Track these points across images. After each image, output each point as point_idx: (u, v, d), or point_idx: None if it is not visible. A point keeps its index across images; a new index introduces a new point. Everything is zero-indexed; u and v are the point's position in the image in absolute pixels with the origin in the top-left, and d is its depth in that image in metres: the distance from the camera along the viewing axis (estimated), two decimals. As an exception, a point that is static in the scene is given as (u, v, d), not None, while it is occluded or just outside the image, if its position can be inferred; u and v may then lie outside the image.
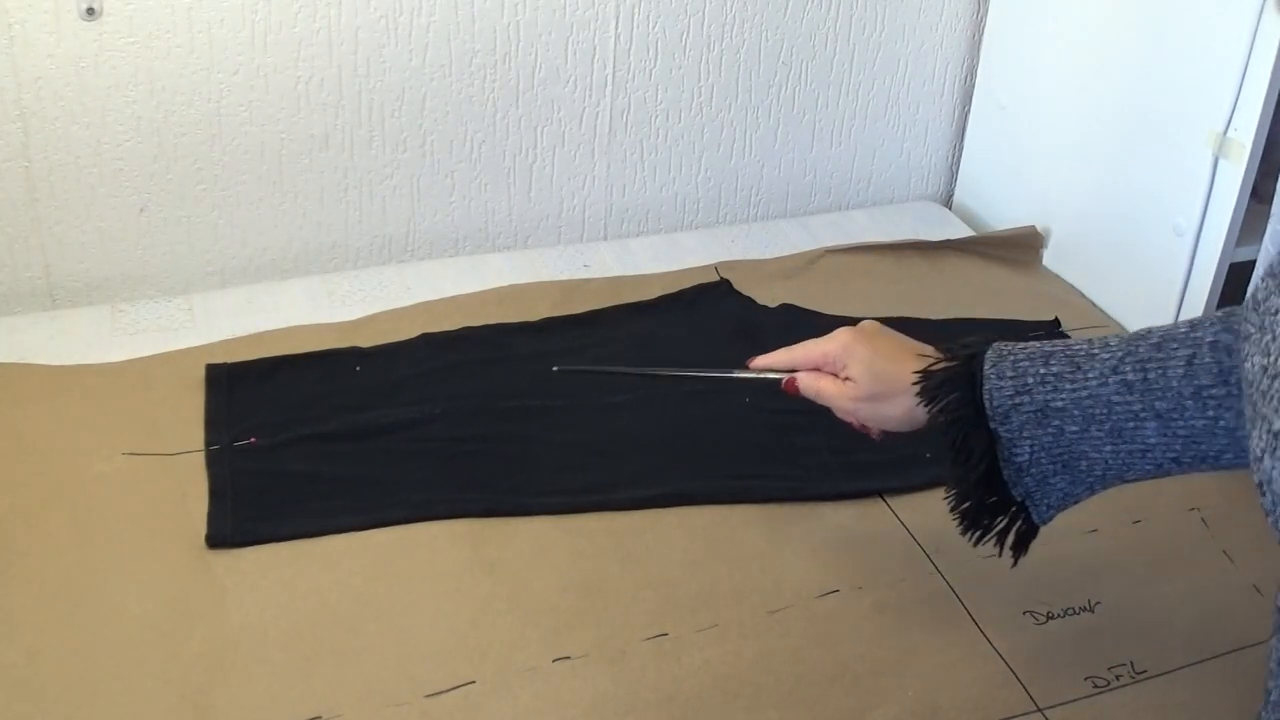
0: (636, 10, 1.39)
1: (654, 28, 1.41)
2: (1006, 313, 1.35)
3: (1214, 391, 0.76)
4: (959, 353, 0.85)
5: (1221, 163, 1.22)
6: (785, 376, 0.94)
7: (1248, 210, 1.22)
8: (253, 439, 1.07)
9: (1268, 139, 1.19)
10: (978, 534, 0.87)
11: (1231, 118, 1.19)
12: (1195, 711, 0.89)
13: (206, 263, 1.34)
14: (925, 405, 0.85)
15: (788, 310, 1.31)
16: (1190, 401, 0.76)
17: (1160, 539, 1.05)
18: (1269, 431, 0.56)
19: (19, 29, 1.17)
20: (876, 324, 0.93)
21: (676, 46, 1.44)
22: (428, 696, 0.86)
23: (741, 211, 1.58)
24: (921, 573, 0.99)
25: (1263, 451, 0.57)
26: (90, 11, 1.18)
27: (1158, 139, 1.29)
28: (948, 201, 1.67)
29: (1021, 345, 0.84)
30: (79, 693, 0.84)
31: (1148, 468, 0.80)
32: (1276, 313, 0.62)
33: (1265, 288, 0.65)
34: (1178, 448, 0.78)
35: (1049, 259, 1.48)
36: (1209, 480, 1.11)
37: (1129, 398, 0.78)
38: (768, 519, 1.04)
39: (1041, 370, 0.81)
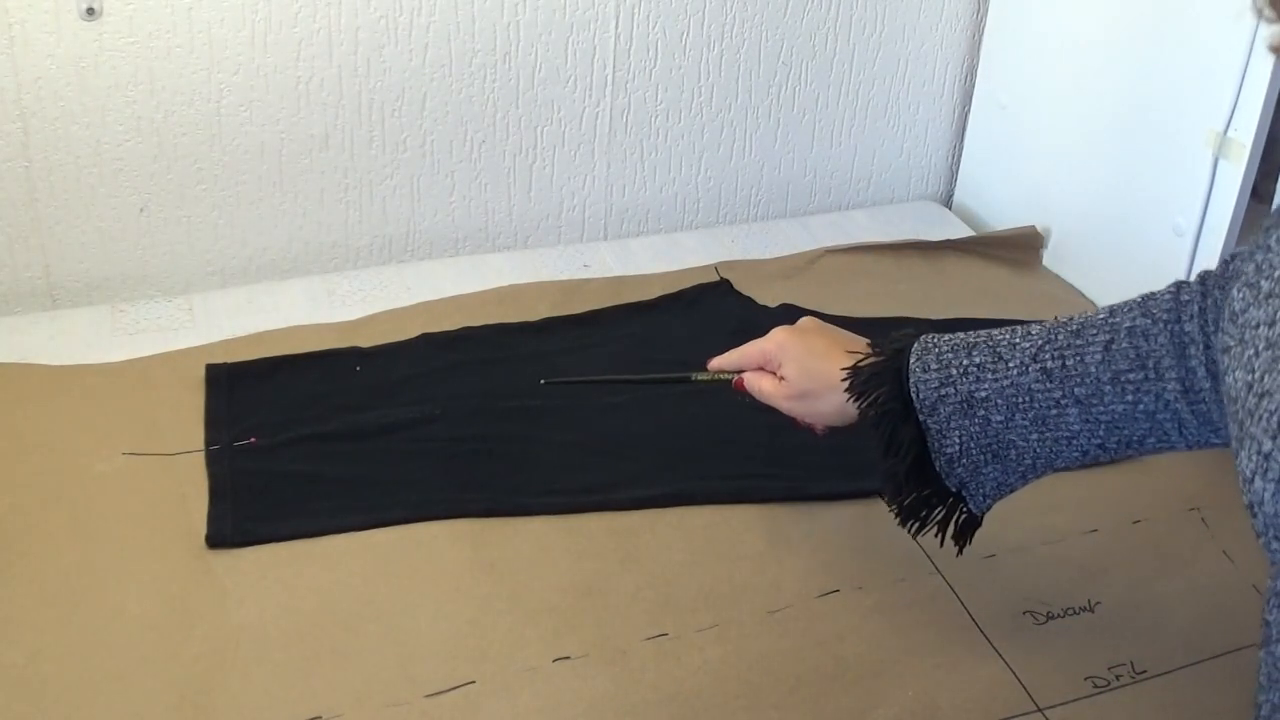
0: (636, 10, 1.39)
1: (654, 28, 1.41)
2: (1006, 313, 1.34)
3: (1132, 376, 0.77)
4: (887, 348, 0.88)
5: (1221, 163, 1.22)
6: (736, 377, 0.97)
7: (1248, 210, 1.23)
8: (253, 439, 1.07)
9: (1268, 139, 1.19)
10: (916, 525, 0.89)
11: (1231, 118, 1.19)
12: (1195, 711, 0.89)
13: (206, 263, 1.34)
14: (854, 400, 0.87)
15: (788, 310, 1.31)
16: (1109, 387, 0.78)
17: (1160, 539, 1.05)
18: (1259, 453, 0.56)
19: (19, 29, 1.17)
20: (814, 321, 0.96)
21: (676, 46, 1.44)
22: (428, 696, 0.86)
23: (741, 211, 1.58)
24: (921, 573, 0.99)
25: (1253, 473, 0.56)
26: (90, 11, 1.18)
27: (1158, 139, 1.29)
28: (948, 201, 1.67)
29: (948, 337, 0.86)
30: (79, 693, 0.84)
31: (1075, 455, 0.82)
32: (1257, 326, 0.62)
33: (1242, 298, 0.65)
34: (1101, 434, 0.80)
35: (1049, 259, 1.48)
36: (1209, 480, 1.11)
37: (1049, 385, 0.80)
38: (768, 519, 1.04)
39: (965, 361, 0.83)
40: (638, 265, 1.40)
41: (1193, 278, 0.81)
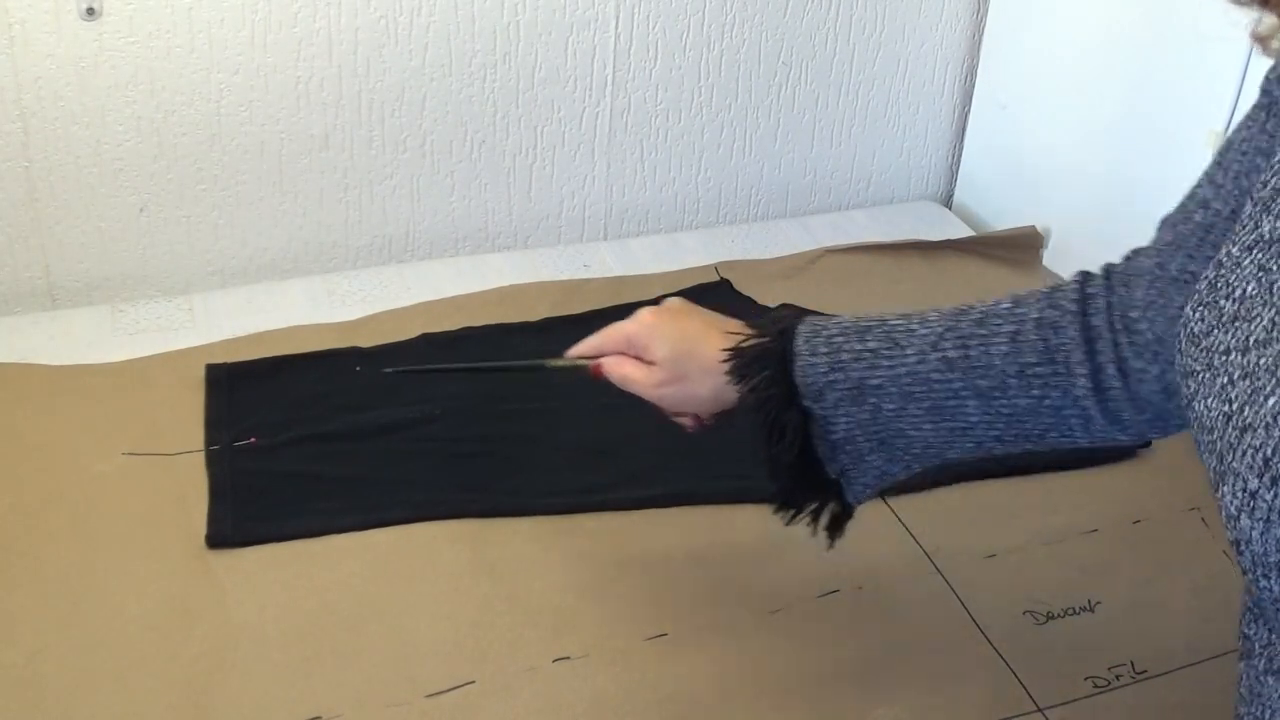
0: (636, 10, 1.39)
1: (654, 28, 1.41)
2: (1006, 313, 1.34)
3: (1039, 370, 0.74)
4: (770, 329, 0.82)
5: (1221, 163, 1.22)
6: (594, 363, 0.90)
7: (1248, 210, 1.22)
8: (253, 439, 1.07)
9: (1268, 139, 1.19)
10: (791, 514, 0.85)
11: (1231, 118, 1.19)
12: (1195, 711, 0.89)
13: (206, 263, 1.34)
14: (736, 383, 0.81)
15: (788, 310, 1.31)
16: (1014, 380, 0.75)
17: (1160, 539, 1.05)
18: (1244, 490, 0.54)
19: (19, 29, 1.17)
20: (682, 301, 0.89)
21: (676, 46, 1.44)
22: (428, 696, 0.86)
23: (741, 211, 1.58)
24: (921, 573, 0.99)
25: (1238, 510, 0.55)
26: (90, 11, 1.18)
27: (1158, 139, 1.29)
28: (948, 201, 1.67)
29: (837, 320, 0.81)
30: (79, 693, 0.84)
31: (969, 445, 0.79)
32: (1228, 352, 0.59)
33: (1202, 319, 0.62)
34: (1000, 426, 0.77)
35: (1049, 259, 1.48)
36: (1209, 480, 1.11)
37: (949, 375, 0.76)
38: (768, 519, 1.04)
39: (857, 346, 0.78)
40: (638, 265, 1.40)
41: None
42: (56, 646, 0.87)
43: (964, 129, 1.62)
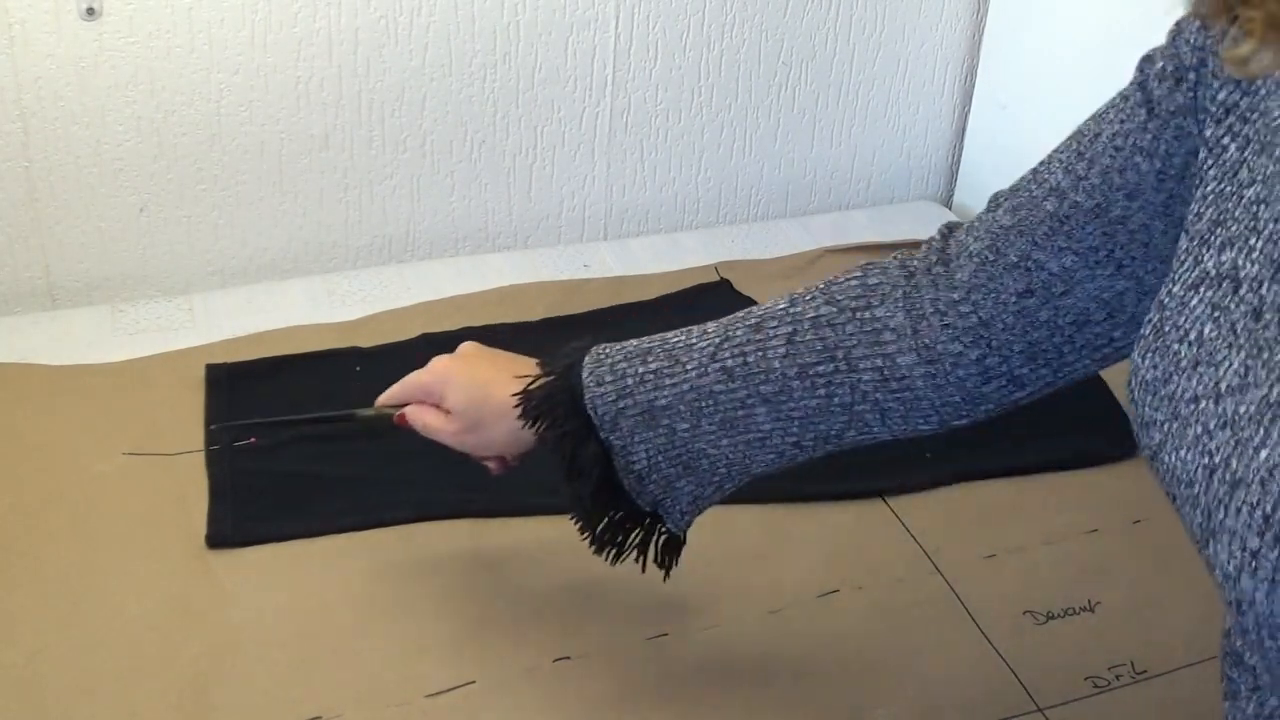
0: (636, 10, 1.39)
1: (654, 28, 1.41)
2: (1006, 313, 1.34)
3: (821, 369, 0.73)
4: (557, 365, 0.81)
5: (1221, 163, 1.22)
6: (398, 413, 0.90)
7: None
8: (253, 439, 1.07)
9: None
10: (613, 552, 0.83)
11: (1231, 118, 1.19)
12: (1195, 711, 0.89)
13: (206, 263, 1.34)
14: (529, 426, 0.81)
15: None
16: (796, 382, 0.73)
17: (1160, 539, 1.05)
18: (1244, 549, 0.52)
19: (19, 29, 1.17)
20: (475, 345, 0.88)
21: (676, 46, 1.44)
22: (428, 696, 0.86)
23: (741, 211, 1.58)
24: (921, 573, 0.99)
25: (1238, 570, 0.52)
26: (90, 11, 1.18)
27: (1158, 139, 1.29)
28: (948, 201, 1.67)
29: (620, 346, 0.80)
30: (79, 693, 0.84)
31: (770, 457, 0.77)
32: (1196, 400, 0.57)
33: (1154, 366, 0.60)
34: (795, 431, 0.75)
35: (1049, 259, 1.48)
36: (1209, 480, 1.11)
37: (732, 385, 0.75)
38: (768, 519, 1.04)
39: (640, 369, 0.78)
40: (638, 265, 1.40)
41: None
42: (56, 646, 0.87)
43: (964, 129, 1.62)
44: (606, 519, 0.82)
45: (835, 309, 0.74)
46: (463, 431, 0.86)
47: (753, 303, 1.32)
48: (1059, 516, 1.06)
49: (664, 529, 0.83)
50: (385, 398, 0.91)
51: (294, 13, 1.26)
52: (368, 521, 1.00)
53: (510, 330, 1.25)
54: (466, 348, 0.88)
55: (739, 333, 0.76)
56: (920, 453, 1.11)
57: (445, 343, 1.22)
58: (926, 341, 0.71)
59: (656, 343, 0.79)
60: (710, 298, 1.33)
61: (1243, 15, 0.51)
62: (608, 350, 0.80)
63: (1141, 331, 0.62)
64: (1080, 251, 0.67)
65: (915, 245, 1.62)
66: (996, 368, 0.71)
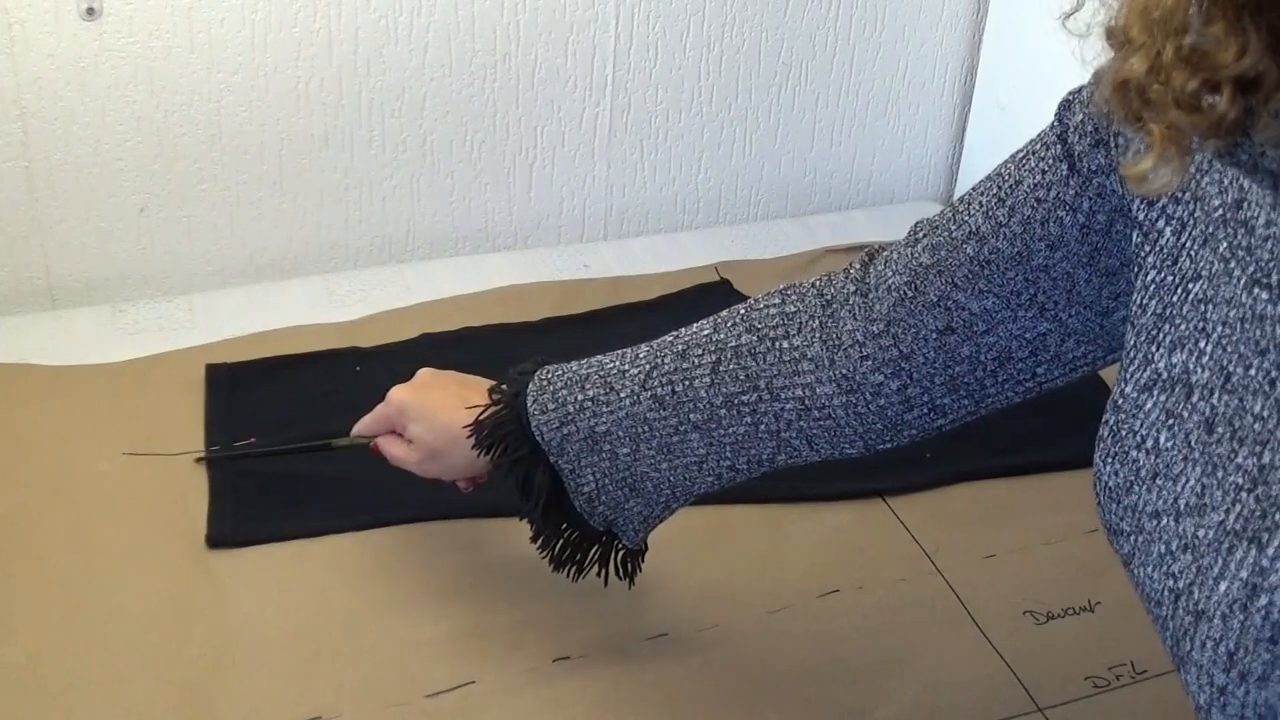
0: (636, 10, 1.39)
1: (654, 28, 1.41)
2: (1006, 313, 1.34)
3: (745, 399, 0.74)
4: (505, 394, 0.84)
5: (1221, 163, 1.22)
6: (372, 442, 0.94)
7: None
8: (252, 439, 1.07)
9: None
10: (574, 569, 0.87)
11: (1231, 118, 1.19)
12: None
13: (206, 263, 1.34)
14: (483, 454, 0.84)
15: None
16: (723, 410, 0.75)
17: (1160, 539, 1.05)
18: (1211, 685, 0.51)
19: (19, 29, 1.17)
20: (431, 373, 0.90)
21: (676, 46, 1.44)
22: (428, 696, 0.86)
23: (741, 211, 1.58)
24: (921, 573, 0.99)
25: (1208, 704, 0.52)
26: (90, 11, 1.18)
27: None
28: (948, 201, 1.67)
29: (562, 370, 0.82)
30: (79, 693, 0.84)
31: (710, 479, 0.80)
32: (1158, 515, 0.55)
33: (1116, 474, 0.58)
34: (729, 456, 0.77)
35: (1049, 259, 1.48)
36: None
37: (663, 413, 0.77)
38: (768, 519, 1.04)
39: (579, 396, 0.80)
40: (638, 265, 1.40)
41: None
42: (56, 646, 0.87)
43: (964, 129, 1.62)
44: (562, 539, 0.85)
45: (755, 337, 0.75)
46: (425, 460, 0.89)
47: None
48: (1059, 516, 1.06)
49: (620, 544, 0.86)
50: (359, 428, 0.95)
51: (294, 13, 1.26)
52: (368, 521, 1.00)
53: (510, 330, 1.25)
54: (422, 376, 0.90)
55: (667, 361, 0.78)
56: (920, 453, 1.11)
57: (445, 343, 1.22)
58: (844, 372, 0.72)
59: (594, 368, 0.81)
60: (710, 298, 1.33)
61: (1146, 126, 0.50)
62: (550, 376, 0.82)
63: (1100, 433, 0.61)
64: (1002, 295, 0.67)
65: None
66: (918, 397, 0.71)
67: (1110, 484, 0.60)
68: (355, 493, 1.03)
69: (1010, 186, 0.67)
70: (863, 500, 1.06)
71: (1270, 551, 0.49)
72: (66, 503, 1.00)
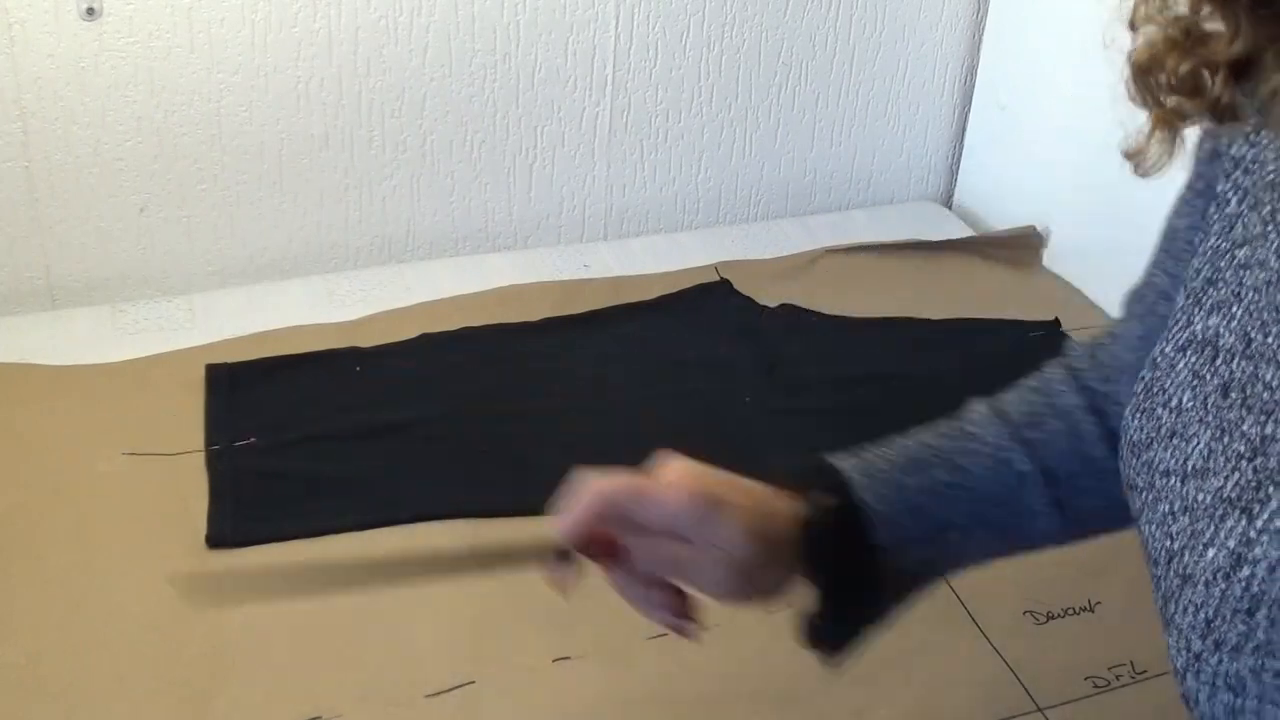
0: (636, 10, 1.39)
1: (654, 28, 1.41)
2: (1006, 313, 1.34)
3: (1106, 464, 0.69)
4: (814, 497, 0.70)
5: (1221, 163, 1.22)
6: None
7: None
8: (252, 439, 1.07)
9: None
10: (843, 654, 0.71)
11: (1231, 118, 1.19)
12: (1195, 711, 0.89)
13: (206, 263, 1.34)
14: (803, 560, 0.68)
15: (788, 310, 1.31)
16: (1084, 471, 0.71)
17: (1160, 539, 1.05)
18: (1188, 650, 0.50)
19: (19, 29, 1.17)
20: (683, 459, 0.74)
21: (676, 46, 1.44)
22: (428, 696, 0.86)
23: (741, 211, 1.58)
24: (921, 573, 0.99)
25: (1184, 669, 0.51)
26: (90, 11, 1.18)
27: (1158, 139, 1.29)
28: (948, 201, 1.66)
29: (873, 456, 0.71)
30: (79, 693, 0.84)
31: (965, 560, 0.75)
32: (1168, 474, 0.55)
33: (1140, 429, 0.58)
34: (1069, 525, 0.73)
35: (1049, 259, 1.48)
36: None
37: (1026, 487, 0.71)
38: (768, 519, 1.04)
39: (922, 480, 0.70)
40: (638, 265, 1.40)
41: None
42: (57, 646, 0.87)
43: (964, 129, 1.62)
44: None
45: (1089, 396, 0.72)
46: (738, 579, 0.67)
47: (752, 303, 1.33)
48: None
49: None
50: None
51: (294, 13, 1.26)
52: (368, 521, 1.00)
53: (510, 330, 1.25)
54: (678, 461, 0.73)
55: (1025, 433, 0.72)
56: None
57: (445, 343, 1.22)
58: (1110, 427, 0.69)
59: (925, 449, 0.72)
60: (710, 298, 1.34)
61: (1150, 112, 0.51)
62: (862, 465, 0.71)
63: (1135, 389, 0.60)
64: None
65: (915, 245, 1.62)
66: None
67: (1134, 438, 0.59)
68: (355, 493, 1.03)
69: (1170, 235, 0.65)
70: (863, 500, 1.06)
71: (1259, 524, 0.49)
72: (66, 503, 1.00)
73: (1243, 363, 0.53)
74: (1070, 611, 0.97)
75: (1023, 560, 1.01)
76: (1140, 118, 0.59)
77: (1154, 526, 0.56)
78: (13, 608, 0.90)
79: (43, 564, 0.94)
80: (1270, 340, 0.52)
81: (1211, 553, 0.51)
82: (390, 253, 1.42)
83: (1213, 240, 0.58)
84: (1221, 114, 0.46)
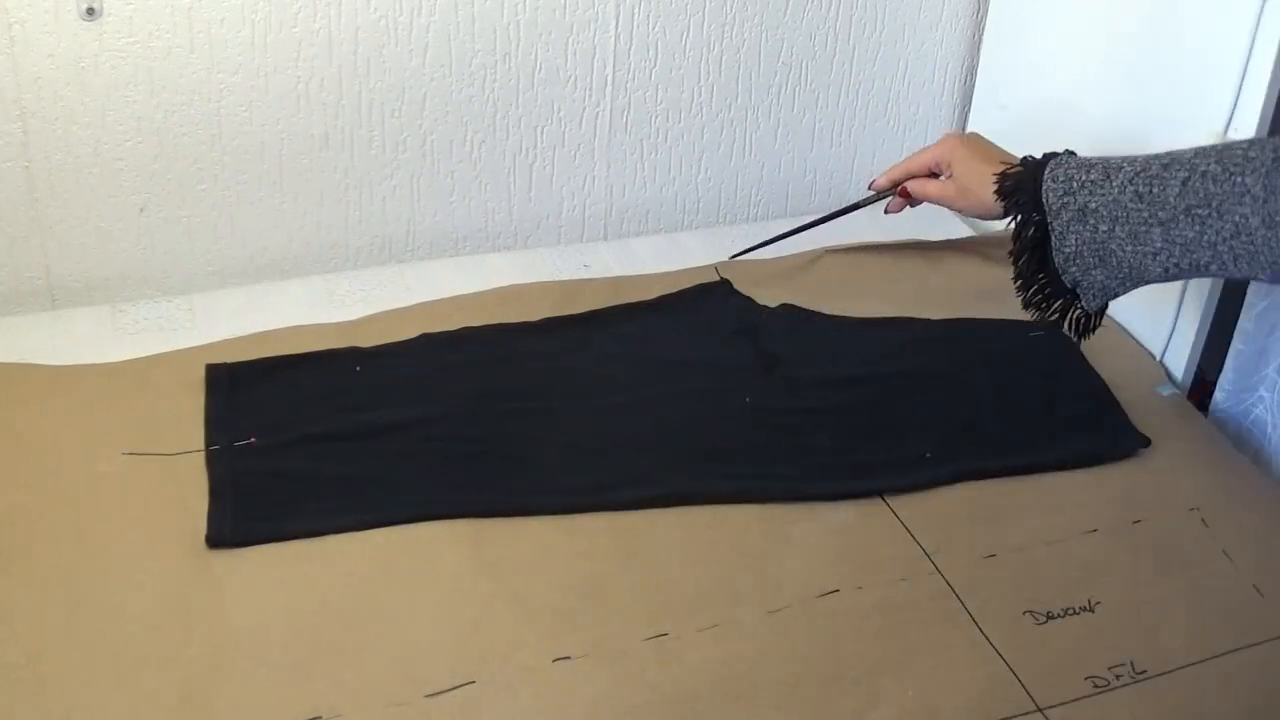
0: (636, 10, 1.39)
1: (654, 28, 1.42)
2: (1006, 313, 1.34)
3: (1200, 211, 0.92)
4: (1031, 162, 1.07)
5: (1221, 163, 1.22)
6: (900, 187, 1.25)
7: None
8: (252, 438, 1.07)
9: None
10: (1036, 312, 1.08)
11: (1231, 118, 1.19)
12: (1195, 711, 0.89)
13: (206, 263, 1.34)
14: (1000, 201, 1.08)
15: (788, 310, 1.31)
16: (1183, 216, 0.93)
17: (1160, 539, 1.05)
18: None
19: (19, 29, 1.17)
20: (977, 135, 1.19)
21: (676, 46, 1.44)
22: (428, 696, 0.86)
23: (741, 211, 1.58)
24: (921, 573, 1.00)
25: None
26: (90, 11, 1.18)
27: (1158, 139, 1.29)
28: (948, 201, 1.66)
29: (1076, 157, 1.04)
30: (79, 693, 0.84)
31: (1158, 270, 0.97)
32: None
33: None
34: (1176, 254, 0.94)
35: (1049, 259, 1.47)
36: (1209, 480, 1.11)
37: (1139, 206, 0.96)
38: (768, 519, 1.04)
39: (1083, 177, 1.00)
40: (638, 265, 1.40)
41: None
42: (56, 646, 0.87)
43: (964, 129, 1.62)
44: (1036, 285, 1.06)
45: (1221, 168, 0.91)
46: (957, 195, 1.17)
47: (752, 303, 1.33)
48: (1059, 516, 1.06)
49: (1079, 305, 1.04)
50: (888, 179, 1.26)
51: (294, 13, 1.26)
52: (368, 521, 1.00)
53: (510, 330, 1.25)
54: (972, 135, 1.20)
55: (1154, 167, 0.96)
56: (920, 453, 1.11)
57: (445, 343, 1.22)
58: (1271, 210, 0.88)
59: (1100, 160, 1.01)
60: (710, 298, 1.34)
61: None
62: (1066, 157, 1.04)
63: None
64: None
65: (915, 245, 1.63)
66: None
67: None
68: (355, 492, 1.03)
69: None
70: (863, 500, 1.06)
71: None
72: (66, 503, 1.00)
73: None
74: (1070, 611, 0.97)
75: (1023, 560, 1.02)
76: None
77: None
78: (13, 608, 0.90)
79: (43, 564, 0.94)
80: None
81: None
82: (390, 253, 1.42)
83: None
84: None
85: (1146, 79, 1.30)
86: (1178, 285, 1.28)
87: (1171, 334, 1.27)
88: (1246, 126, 1.18)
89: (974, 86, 1.59)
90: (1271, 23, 1.13)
